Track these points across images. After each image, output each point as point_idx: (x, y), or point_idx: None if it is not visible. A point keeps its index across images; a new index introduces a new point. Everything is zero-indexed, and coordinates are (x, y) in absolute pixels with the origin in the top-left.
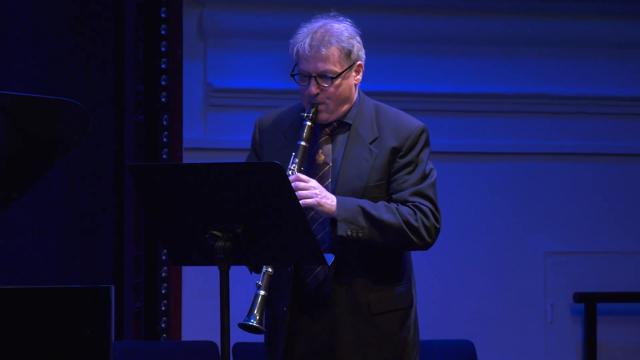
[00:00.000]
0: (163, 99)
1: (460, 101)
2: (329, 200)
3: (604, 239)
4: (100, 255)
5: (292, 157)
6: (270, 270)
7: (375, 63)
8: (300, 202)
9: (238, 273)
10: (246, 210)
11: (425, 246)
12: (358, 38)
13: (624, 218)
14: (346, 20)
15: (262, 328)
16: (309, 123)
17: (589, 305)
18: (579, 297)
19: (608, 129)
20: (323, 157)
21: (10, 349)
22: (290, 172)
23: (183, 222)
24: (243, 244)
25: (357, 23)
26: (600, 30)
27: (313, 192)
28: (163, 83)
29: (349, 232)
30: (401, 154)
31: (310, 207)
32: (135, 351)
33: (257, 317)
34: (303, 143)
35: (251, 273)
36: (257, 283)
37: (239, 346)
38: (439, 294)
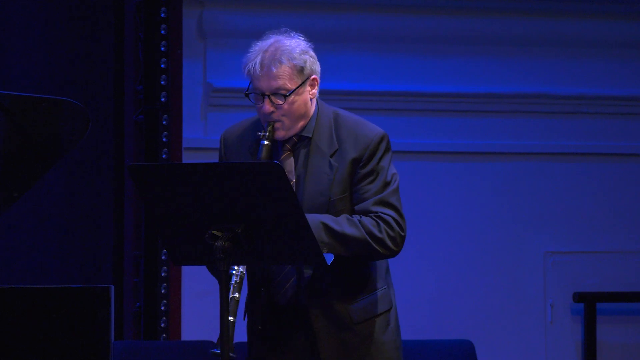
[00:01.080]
0: (163, 99)
1: (459, 101)
2: None
3: (604, 239)
4: (100, 254)
5: None
6: (237, 295)
7: (374, 63)
8: None
9: None
10: (246, 210)
11: (392, 255)
12: (311, 52)
13: (623, 218)
14: (298, 36)
15: (234, 356)
16: (266, 142)
17: (589, 305)
18: (578, 297)
19: (607, 128)
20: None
21: (10, 348)
22: None
23: (183, 221)
24: (243, 244)
25: (356, 23)
26: (599, 30)
27: None
28: (163, 83)
29: None
30: (361, 164)
31: None
32: (135, 351)
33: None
34: None
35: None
36: None
37: (238, 346)
38: (439, 293)
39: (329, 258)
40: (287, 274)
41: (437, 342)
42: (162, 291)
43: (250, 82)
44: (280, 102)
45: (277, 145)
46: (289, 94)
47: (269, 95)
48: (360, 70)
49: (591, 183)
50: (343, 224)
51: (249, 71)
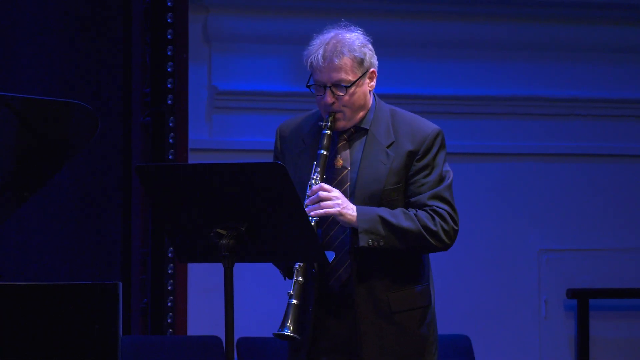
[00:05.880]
0: (169, 102)
1: (456, 103)
2: (350, 211)
3: (597, 237)
4: (109, 252)
5: (314, 166)
6: (300, 279)
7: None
8: (323, 211)
9: (242, 270)
10: (250, 209)
11: (445, 248)
12: (369, 46)
13: (615, 216)
14: (357, 30)
15: (297, 337)
16: (327, 132)
17: (582, 301)
18: (572, 293)
19: (600, 130)
20: (341, 161)
21: (22, 343)
22: (313, 182)
23: (189, 220)
24: (247, 242)
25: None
26: (592, 35)
27: (335, 202)
28: (169, 86)
29: (370, 243)
30: (418, 157)
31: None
32: (142, 345)
33: (291, 327)
34: (324, 152)
35: (285, 279)
36: (288, 292)
37: (243, 341)
38: (437, 290)
39: (330, 256)
40: (341, 259)
41: None
42: (169, 287)
43: (311, 75)
44: (341, 94)
45: (334, 135)
46: (350, 86)
47: (330, 87)
48: None
49: (584, 183)
50: (399, 217)
51: (311, 63)
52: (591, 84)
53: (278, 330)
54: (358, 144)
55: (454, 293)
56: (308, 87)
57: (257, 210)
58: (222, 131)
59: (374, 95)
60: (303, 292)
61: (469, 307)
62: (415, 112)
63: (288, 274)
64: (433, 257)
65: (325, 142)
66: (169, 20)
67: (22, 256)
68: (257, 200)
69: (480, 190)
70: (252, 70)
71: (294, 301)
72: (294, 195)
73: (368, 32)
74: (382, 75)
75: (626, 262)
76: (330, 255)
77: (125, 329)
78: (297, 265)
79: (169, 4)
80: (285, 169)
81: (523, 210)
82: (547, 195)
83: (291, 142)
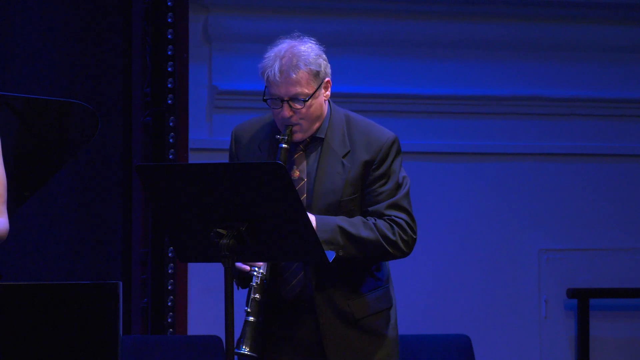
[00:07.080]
0: (169, 101)
1: (456, 103)
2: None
3: (597, 237)
4: (109, 252)
5: None
6: (258, 296)
7: (374, 66)
8: None
9: None
10: (250, 208)
11: (403, 256)
12: (324, 56)
13: (615, 216)
14: (311, 40)
15: (255, 355)
16: (284, 145)
17: (582, 300)
18: (572, 293)
19: (599, 130)
20: (298, 172)
21: (22, 343)
22: None
23: (189, 220)
24: (247, 242)
25: (357, 28)
26: (592, 34)
27: None
28: (169, 86)
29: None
30: (374, 167)
31: None
32: (143, 345)
33: (249, 344)
34: None
35: (238, 289)
36: (245, 310)
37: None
38: (437, 290)
39: (331, 256)
40: (294, 270)
41: (435, 337)
42: (169, 287)
43: (266, 87)
44: (299, 107)
45: (291, 146)
46: (308, 99)
47: (287, 100)
48: (360, 73)
49: (584, 183)
50: (359, 227)
51: (267, 77)
52: (591, 84)
53: (235, 350)
54: (314, 154)
55: (454, 293)
56: (264, 100)
57: (257, 210)
58: (222, 131)
59: (329, 102)
60: (260, 308)
61: (470, 307)
62: (415, 112)
63: (241, 284)
64: (432, 257)
65: (282, 155)
66: (169, 20)
67: (22, 256)
68: (257, 200)
69: (480, 190)
70: (252, 70)
71: (251, 319)
72: (294, 195)
73: (368, 32)
74: (383, 75)
75: (626, 262)
76: (331, 255)
77: (125, 329)
78: (254, 282)
79: (169, 4)
80: (285, 169)
81: (523, 210)
82: (547, 195)
83: (247, 147)
